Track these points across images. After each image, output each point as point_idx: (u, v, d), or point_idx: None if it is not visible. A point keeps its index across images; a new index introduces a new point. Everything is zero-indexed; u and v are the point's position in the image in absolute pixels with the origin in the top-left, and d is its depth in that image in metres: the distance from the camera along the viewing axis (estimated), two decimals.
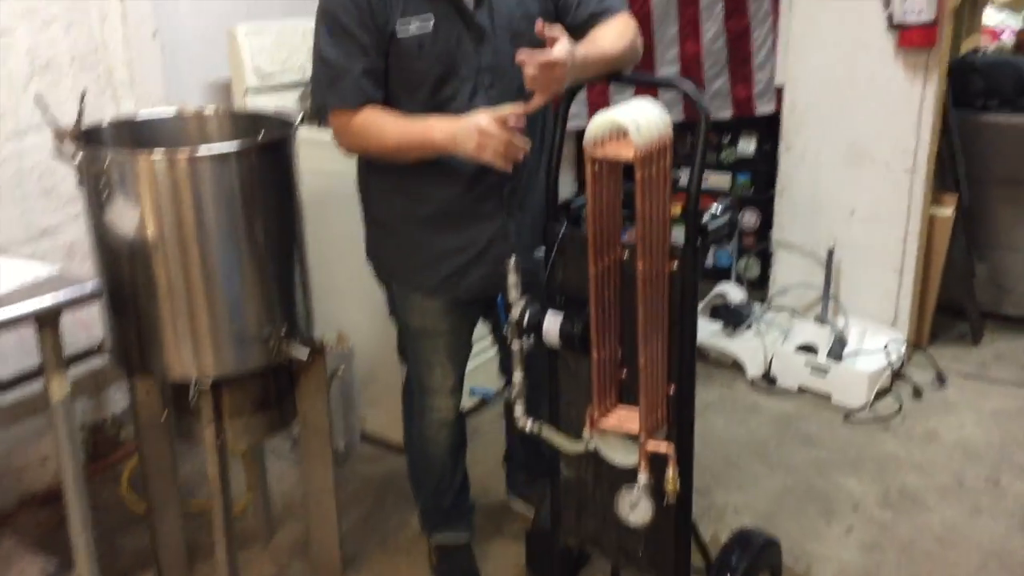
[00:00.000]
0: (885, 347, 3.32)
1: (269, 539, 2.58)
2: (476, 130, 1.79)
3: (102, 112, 2.65)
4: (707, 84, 3.90)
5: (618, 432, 1.79)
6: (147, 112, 2.42)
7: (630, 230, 1.66)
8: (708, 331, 3.59)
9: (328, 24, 1.90)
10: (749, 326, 3.60)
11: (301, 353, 2.04)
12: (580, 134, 1.64)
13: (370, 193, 2.13)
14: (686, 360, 1.77)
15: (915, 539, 2.55)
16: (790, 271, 3.70)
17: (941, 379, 3.39)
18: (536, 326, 1.80)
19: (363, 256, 2.21)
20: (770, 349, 3.47)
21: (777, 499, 2.74)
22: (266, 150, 1.96)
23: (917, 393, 3.31)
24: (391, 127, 1.91)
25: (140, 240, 1.87)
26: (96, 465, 2.86)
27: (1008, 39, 4.51)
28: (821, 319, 3.51)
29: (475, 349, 2.29)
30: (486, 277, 2.05)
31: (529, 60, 1.68)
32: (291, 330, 2.05)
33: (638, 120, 1.55)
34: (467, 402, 2.39)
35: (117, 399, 2.92)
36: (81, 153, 1.88)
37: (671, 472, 1.74)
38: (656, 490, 1.77)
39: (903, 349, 3.42)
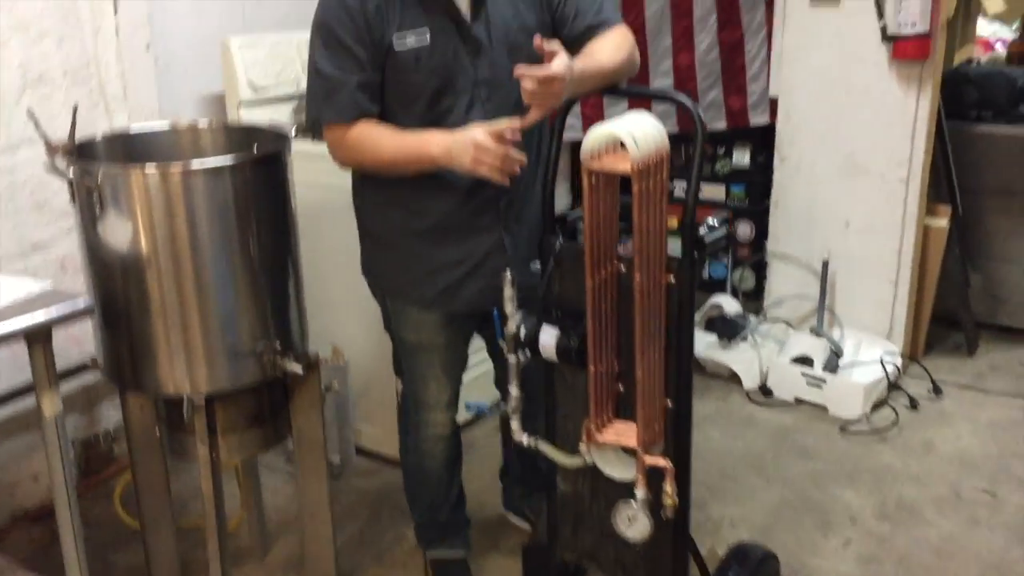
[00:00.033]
0: (881, 358, 3.32)
1: (264, 555, 2.56)
2: (472, 144, 1.79)
3: (95, 126, 2.64)
4: (701, 96, 3.90)
5: (615, 446, 1.78)
6: (140, 126, 2.42)
7: (626, 242, 1.66)
8: (704, 343, 3.59)
9: (324, 37, 1.89)
10: (745, 338, 3.59)
11: (295, 368, 2.03)
12: (575, 146, 1.63)
13: (365, 206, 2.12)
14: (683, 373, 1.76)
15: (913, 551, 2.54)
16: (785, 282, 3.70)
17: (937, 390, 3.39)
18: (532, 340, 1.80)
19: (358, 269, 2.20)
20: (766, 361, 3.46)
21: (774, 512, 2.73)
22: (260, 164, 1.96)
23: (913, 404, 3.30)
24: (386, 141, 1.91)
25: (133, 255, 1.86)
26: (89, 481, 2.84)
27: (1001, 50, 4.54)
28: (816, 331, 3.50)
29: (469, 363, 2.29)
30: (482, 290, 2.03)
31: (528, 75, 1.67)
32: (285, 345, 2.04)
33: (635, 133, 1.55)
34: (462, 416, 2.38)
35: (110, 414, 2.90)
36: (74, 167, 1.87)
37: (669, 487, 1.73)
38: (654, 505, 1.76)
39: (899, 360, 3.42)
